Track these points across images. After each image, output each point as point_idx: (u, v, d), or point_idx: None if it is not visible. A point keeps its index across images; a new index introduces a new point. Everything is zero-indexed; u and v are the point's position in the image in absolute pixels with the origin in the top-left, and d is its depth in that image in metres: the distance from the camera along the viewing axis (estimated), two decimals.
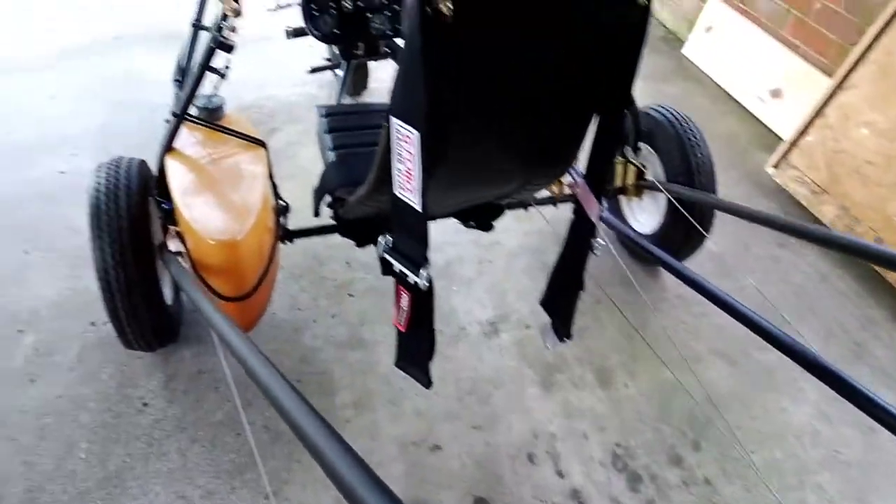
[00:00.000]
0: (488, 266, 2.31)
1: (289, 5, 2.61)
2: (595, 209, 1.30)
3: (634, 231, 2.30)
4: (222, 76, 1.64)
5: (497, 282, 2.25)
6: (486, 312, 2.14)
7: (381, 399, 1.84)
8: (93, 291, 2.02)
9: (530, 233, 2.47)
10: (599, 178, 1.26)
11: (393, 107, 0.99)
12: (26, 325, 1.91)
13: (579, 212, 1.34)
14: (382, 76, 3.09)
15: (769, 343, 1.43)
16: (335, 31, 2.17)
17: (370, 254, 2.21)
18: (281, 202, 1.84)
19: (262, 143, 1.79)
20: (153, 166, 1.78)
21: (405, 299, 1.15)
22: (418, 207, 1.02)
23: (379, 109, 2.03)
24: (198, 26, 2.04)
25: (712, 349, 2.12)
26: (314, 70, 2.65)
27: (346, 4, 2.16)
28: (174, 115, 1.64)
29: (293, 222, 1.87)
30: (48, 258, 2.12)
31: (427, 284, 1.09)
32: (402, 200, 1.04)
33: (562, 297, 1.47)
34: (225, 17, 1.55)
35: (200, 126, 1.76)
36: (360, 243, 1.89)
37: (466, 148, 1.18)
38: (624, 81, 1.10)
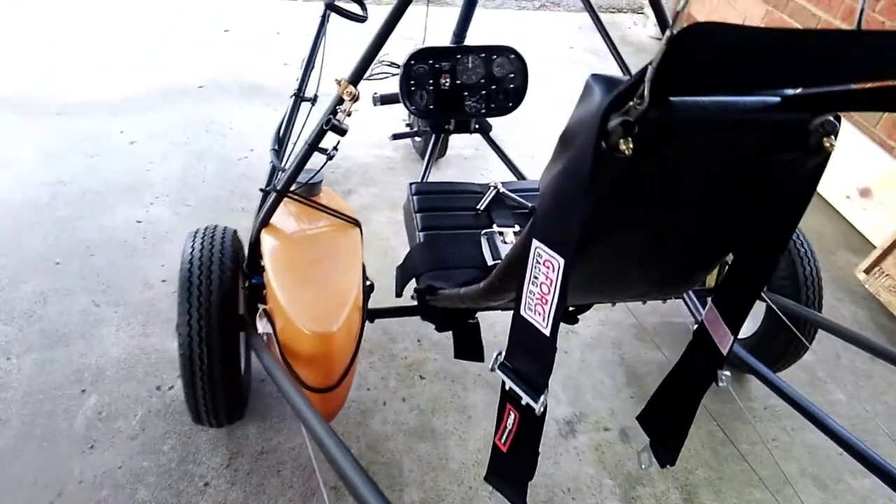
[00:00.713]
0: (563, 357, 2.20)
1: (384, 76, 2.63)
2: (727, 341, 1.19)
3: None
4: (330, 157, 1.60)
5: (572, 375, 2.14)
6: (562, 409, 2.02)
7: (452, 500, 1.72)
8: (161, 352, 1.98)
9: (607, 322, 2.35)
10: (738, 312, 1.16)
11: (537, 229, 0.92)
12: (90, 385, 1.85)
13: (703, 336, 1.24)
14: (459, 143, 3.06)
15: (865, 467, 1.35)
16: (430, 107, 2.15)
17: (443, 333, 2.13)
18: (367, 282, 1.78)
19: (356, 223, 1.73)
20: (242, 234, 1.73)
21: (512, 419, 1.05)
22: (547, 332, 0.94)
23: (471, 190, 1.97)
24: (300, 97, 2.02)
25: (804, 470, 1.96)
26: (396, 137, 2.62)
27: (444, 83, 2.14)
28: (275, 191, 1.60)
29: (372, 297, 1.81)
30: (119, 312, 2.07)
31: (542, 409, 1.00)
32: (527, 321, 0.96)
33: (669, 422, 1.35)
34: (341, 100, 1.51)
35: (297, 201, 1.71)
36: (441, 328, 1.82)
37: (599, 267, 1.11)
38: (786, 227, 1.01)
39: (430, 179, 2.18)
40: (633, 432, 1.96)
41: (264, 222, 1.65)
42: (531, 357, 1.00)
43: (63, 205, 2.45)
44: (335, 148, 1.63)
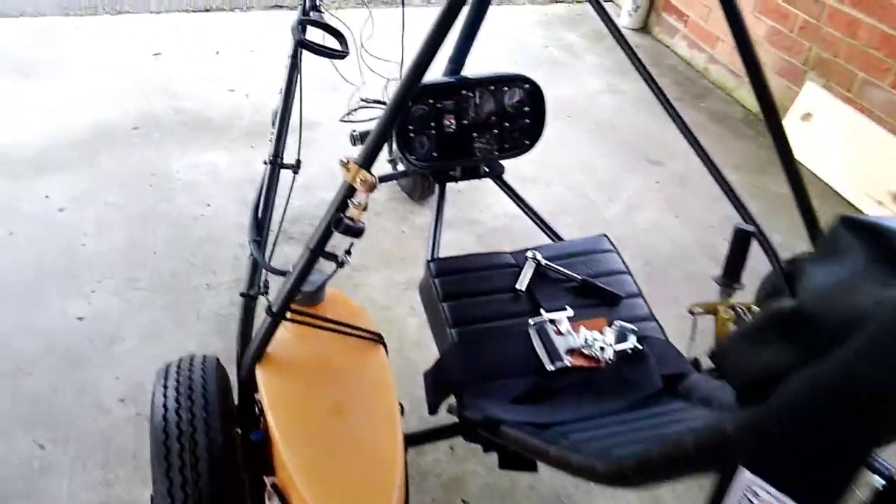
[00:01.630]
0: None
1: (362, 107, 2.21)
2: None
3: None
4: (340, 265, 1.21)
5: None
6: None
7: None
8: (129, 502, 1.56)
9: None
10: None
11: (755, 457, 0.59)
12: None
13: None
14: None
15: None
16: (433, 154, 1.78)
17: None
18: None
19: (379, 339, 1.35)
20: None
21: None
22: None
23: (503, 263, 1.61)
24: (278, 164, 1.59)
25: None
26: (380, 180, 2.22)
27: (449, 124, 1.76)
28: (269, 313, 1.19)
29: None
30: (70, 453, 1.62)
31: None
32: None
33: None
34: (352, 190, 1.13)
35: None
36: (488, 448, 1.46)
37: None
38: None
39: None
40: None
41: (258, 354, 1.25)
42: None
43: None
44: (348, 252, 1.25)
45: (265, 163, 1.61)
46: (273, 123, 1.66)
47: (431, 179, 1.93)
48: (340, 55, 1.70)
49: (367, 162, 1.14)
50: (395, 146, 1.83)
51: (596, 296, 1.57)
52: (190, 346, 1.92)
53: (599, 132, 3.09)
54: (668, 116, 1.68)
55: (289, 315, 1.25)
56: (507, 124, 1.84)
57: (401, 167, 2.53)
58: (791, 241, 2.57)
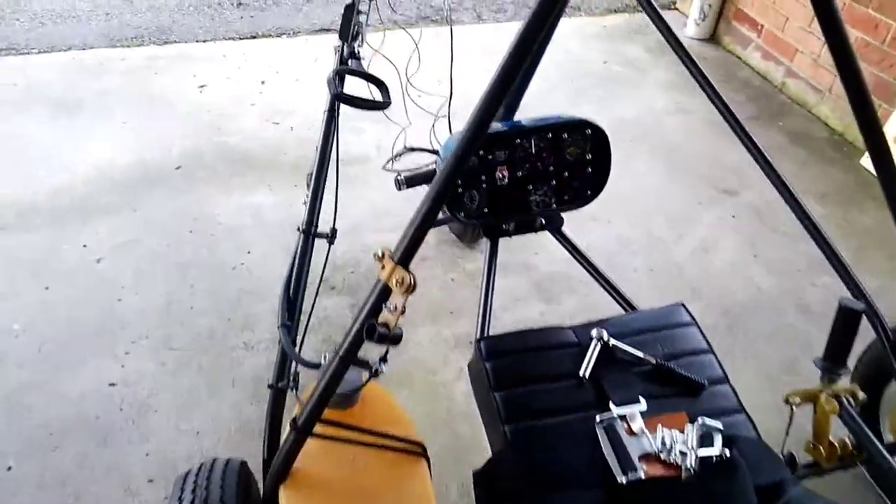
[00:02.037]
0: None
1: (407, 151, 2.05)
2: None
3: None
4: (375, 374, 1.04)
5: None
6: None
7: None
8: None
9: None
10: None
11: None
12: None
13: None
14: None
15: None
16: (484, 209, 1.60)
17: None
18: None
19: (421, 450, 1.17)
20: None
21: None
22: None
23: (564, 342, 1.41)
24: (312, 234, 1.44)
25: None
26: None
27: (501, 176, 1.58)
28: (293, 427, 1.04)
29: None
30: None
31: None
32: None
33: None
34: (387, 292, 0.97)
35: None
36: None
37: None
38: None
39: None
40: None
41: (281, 472, 1.09)
42: None
43: (14, 367, 1.88)
44: (383, 359, 1.08)
45: (298, 230, 1.46)
46: (308, 186, 1.51)
47: (483, 234, 1.74)
48: (382, 106, 1.53)
49: (405, 258, 0.98)
50: (459, 221, 1.66)
51: (674, 383, 1.36)
52: (225, 416, 1.80)
53: (667, 158, 2.84)
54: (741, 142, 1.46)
55: (316, 429, 1.09)
56: (566, 174, 1.64)
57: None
58: (891, 285, 2.28)
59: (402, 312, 0.97)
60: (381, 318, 0.98)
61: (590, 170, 1.65)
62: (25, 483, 1.63)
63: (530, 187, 1.62)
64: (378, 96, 1.60)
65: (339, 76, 1.54)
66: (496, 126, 1.65)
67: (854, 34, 2.92)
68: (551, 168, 1.62)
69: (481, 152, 1.56)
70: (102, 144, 2.76)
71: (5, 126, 2.83)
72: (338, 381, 1.02)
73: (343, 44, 1.61)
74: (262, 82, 3.22)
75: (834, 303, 2.21)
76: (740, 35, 3.61)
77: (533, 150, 1.60)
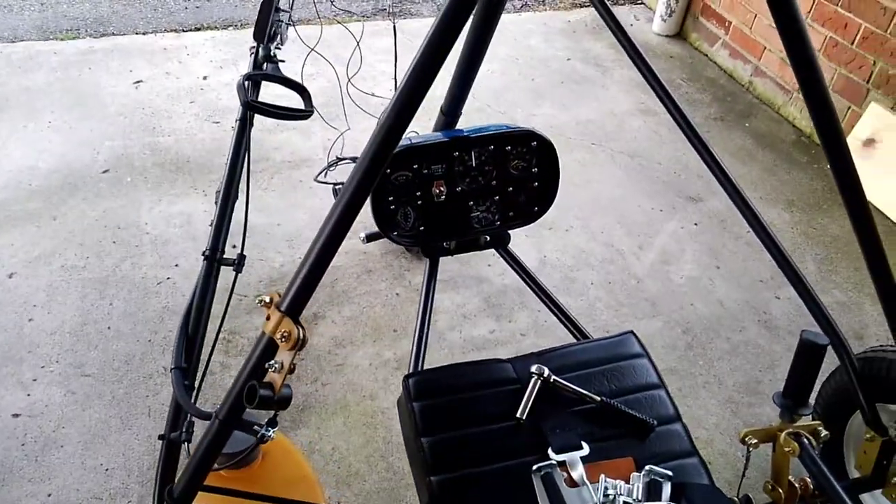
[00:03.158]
0: None
1: (338, 164, 1.89)
2: None
3: None
4: (262, 441, 0.89)
5: None
6: None
7: None
8: None
9: None
10: None
11: None
12: None
13: None
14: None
15: None
16: (420, 228, 1.46)
17: None
18: None
19: None
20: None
21: None
22: None
23: (500, 378, 1.28)
24: (217, 259, 1.27)
25: None
26: (370, 238, 1.91)
27: (439, 192, 1.44)
28: (168, 497, 0.88)
29: None
30: None
31: None
32: None
33: None
34: (272, 346, 0.83)
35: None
36: None
37: None
38: None
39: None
40: None
41: None
42: None
43: None
44: (272, 422, 0.93)
45: (203, 255, 1.29)
46: (216, 204, 1.35)
47: (421, 253, 1.60)
48: (303, 115, 1.37)
49: (294, 308, 0.83)
50: (393, 241, 1.51)
51: (620, 423, 1.23)
52: (137, 450, 1.63)
53: (629, 162, 2.71)
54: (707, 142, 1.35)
55: (205, 493, 0.93)
56: (511, 189, 1.50)
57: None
58: (857, 299, 2.19)
59: (291, 371, 0.83)
60: (267, 377, 0.84)
61: (536, 184, 1.51)
62: None
63: (471, 203, 1.49)
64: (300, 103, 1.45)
65: (251, 81, 1.38)
66: (433, 136, 1.50)
67: (823, 33, 2.82)
68: (494, 183, 1.49)
69: (415, 165, 1.41)
70: (24, 147, 2.55)
71: None
72: (219, 447, 0.87)
73: (258, 45, 1.44)
74: (204, 78, 3.03)
75: (798, 316, 2.12)
76: (707, 32, 3.49)
77: (473, 164, 1.46)
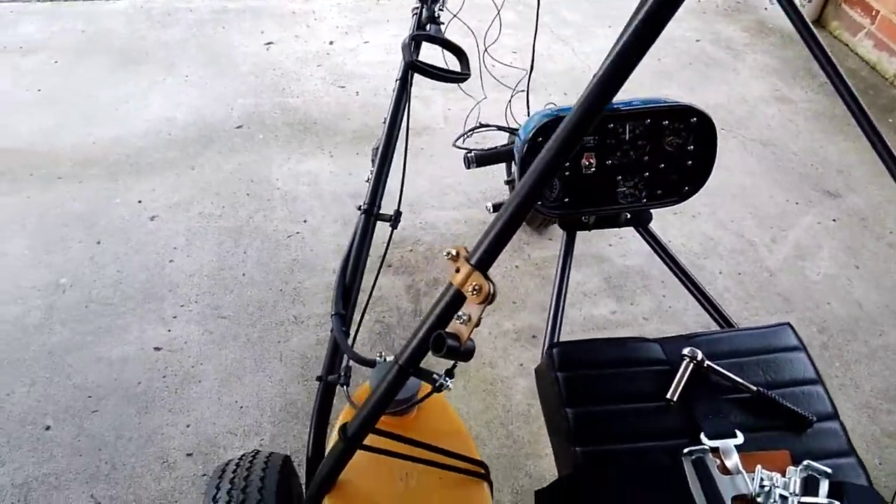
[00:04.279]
0: None
1: (481, 128, 1.88)
2: None
3: None
4: (438, 389, 0.90)
5: None
6: None
7: None
8: None
9: None
10: None
11: None
12: None
13: None
14: None
15: None
16: (565, 199, 1.43)
17: None
18: None
19: (484, 472, 1.03)
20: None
21: None
22: None
23: (649, 357, 1.24)
24: (374, 214, 1.29)
25: None
26: (497, 207, 1.90)
27: (588, 164, 1.40)
28: (341, 435, 0.91)
29: None
30: None
31: None
32: None
33: None
34: (459, 297, 0.83)
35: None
36: None
37: None
38: None
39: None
40: None
41: (328, 481, 0.97)
42: None
43: (59, 326, 1.82)
44: (450, 373, 0.93)
45: (359, 209, 1.31)
46: (372, 161, 1.37)
47: (560, 226, 1.57)
48: (461, 78, 1.37)
49: (485, 262, 0.82)
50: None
51: (776, 415, 1.17)
52: (270, 392, 1.70)
53: (762, 151, 2.58)
54: (848, 135, 1.24)
55: (368, 439, 0.95)
56: (662, 166, 1.45)
57: None
58: None
59: (477, 325, 0.82)
60: (450, 328, 0.84)
61: (690, 163, 1.46)
62: (62, 445, 1.57)
63: (619, 178, 1.45)
64: (456, 66, 1.44)
65: (414, 42, 1.38)
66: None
67: None
68: (646, 158, 1.44)
69: None
70: (163, 99, 2.68)
71: (67, 74, 2.78)
72: (395, 391, 0.88)
73: (422, 5, 1.44)
74: (330, 43, 3.09)
75: None
76: (850, 20, 3.26)
77: (627, 137, 1.42)
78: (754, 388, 1.18)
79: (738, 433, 1.11)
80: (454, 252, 0.89)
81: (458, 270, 0.85)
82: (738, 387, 1.19)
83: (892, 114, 2.85)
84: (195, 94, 2.71)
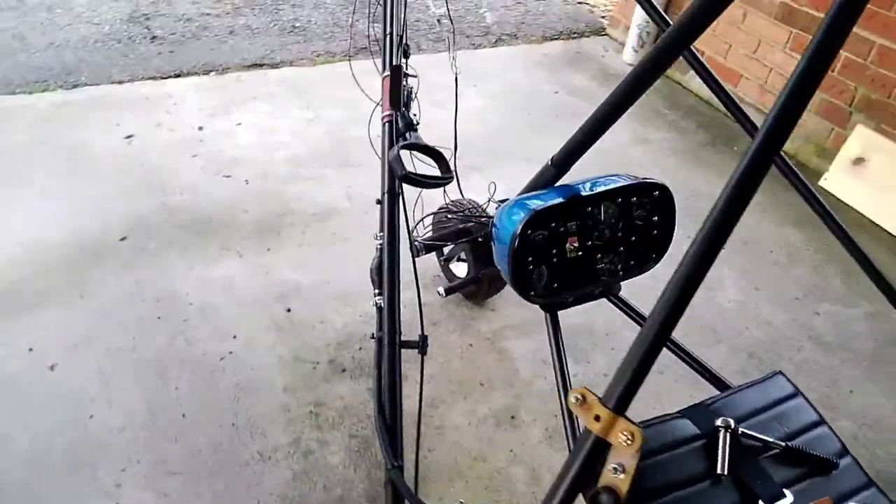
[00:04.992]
0: None
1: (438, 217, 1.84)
2: None
3: None
4: None
5: None
6: None
7: None
8: None
9: None
10: None
11: None
12: None
13: None
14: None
15: None
16: (554, 285, 1.45)
17: None
18: None
19: None
20: None
21: None
22: None
23: (691, 435, 1.27)
24: (398, 343, 1.20)
25: None
26: (450, 291, 1.87)
27: (572, 247, 1.44)
28: None
29: None
30: None
31: None
32: None
33: None
34: (602, 446, 0.80)
35: None
36: None
37: None
38: None
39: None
40: None
41: None
42: None
43: None
44: None
45: (372, 338, 1.21)
46: (373, 282, 1.27)
47: (543, 309, 1.58)
48: (446, 182, 1.33)
49: (623, 405, 0.80)
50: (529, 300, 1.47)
51: (805, 465, 1.25)
52: None
53: None
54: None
55: None
56: (633, 238, 1.52)
57: (458, 269, 2.17)
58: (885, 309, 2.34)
59: (634, 475, 0.79)
60: (603, 481, 0.80)
61: (655, 232, 1.54)
62: None
63: (599, 256, 1.49)
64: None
65: (399, 153, 1.32)
66: (561, 192, 1.49)
67: None
68: (619, 234, 1.50)
69: (552, 224, 1.41)
70: (24, 218, 2.30)
71: None
72: None
73: (395, 113, 1.38)
74: (200, 128, 2.86)
75: (843, 330, 2.25)
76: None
77: (602, 217, 1.47)
78: (782, 444, 1.25)
79: (787, 492, 1.17)
80: (579, 395, 0.85)
81: (597, 419, 0.82)
82: (768, 446, 1.25)
83: (736, 142, 3.24)
84: (61, 207, 2.37)
